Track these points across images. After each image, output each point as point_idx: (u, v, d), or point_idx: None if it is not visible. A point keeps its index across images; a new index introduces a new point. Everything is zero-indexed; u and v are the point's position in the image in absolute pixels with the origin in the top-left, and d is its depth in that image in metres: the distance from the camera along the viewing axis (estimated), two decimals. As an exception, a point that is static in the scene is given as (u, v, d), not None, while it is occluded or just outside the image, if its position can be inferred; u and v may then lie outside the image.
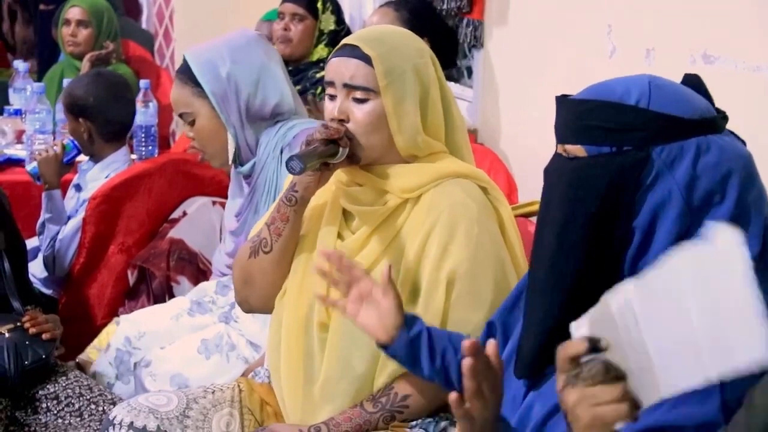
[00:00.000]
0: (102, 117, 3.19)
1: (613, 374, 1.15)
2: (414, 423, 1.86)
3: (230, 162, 2.49)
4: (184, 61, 2.49)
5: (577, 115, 1.39)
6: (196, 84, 2.44)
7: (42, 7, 5.13)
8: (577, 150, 1.39)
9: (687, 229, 1.35)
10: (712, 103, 1.45)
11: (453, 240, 1.81)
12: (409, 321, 1.69)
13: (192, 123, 2.47)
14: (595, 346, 1.16)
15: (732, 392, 1.26)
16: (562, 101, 1.42)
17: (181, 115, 2.51)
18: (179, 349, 2.57)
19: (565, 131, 1.41)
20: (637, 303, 1.13)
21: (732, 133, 1.44)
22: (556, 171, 1.43)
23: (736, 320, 1.06)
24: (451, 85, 3.58)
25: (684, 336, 1.09)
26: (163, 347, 2.59)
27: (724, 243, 1.07)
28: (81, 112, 3.16)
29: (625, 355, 1.15)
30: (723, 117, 1.43)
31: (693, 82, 1.45)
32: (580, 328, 1.18)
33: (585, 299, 1.24)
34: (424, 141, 1.88)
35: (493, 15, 3.35)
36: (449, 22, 3.52)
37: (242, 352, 2.50)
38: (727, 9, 2.27)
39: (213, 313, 2.70)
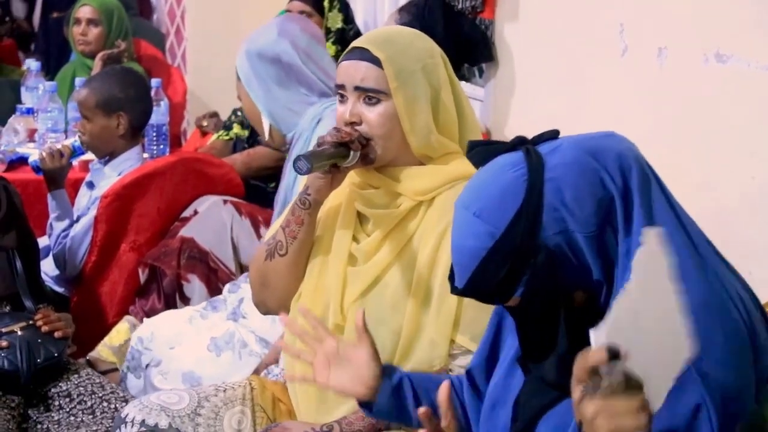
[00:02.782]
0: (140, 108, 3.21)
1: (632, 384, 1.14)
2: (425, 422, 1.86)
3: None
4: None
5: (480, 290, 1.39)
6: None
7: (55, 14, 5.15)
8: (514, 300, 1.39)
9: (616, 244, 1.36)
10: (502, 147, 1.43)
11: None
12: (387, 370, 1.65)
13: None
14: (614, 354, 1.14)
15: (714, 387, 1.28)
16: (461, 292, 1.41)
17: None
18: (189, 349, 2.57)
19: (490, 300, 1.42)
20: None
21: (535, 145, 1.42)
22: (520, 317, 1.43)
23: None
24: (462, 84, 3.58)
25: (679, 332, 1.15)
26: (172, 347, 2.60)
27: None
28: (120, 106, 3.15)
29: (641, 361, 1.15)
30: (526, 142, 1.42)
31: (478, 156, 1.43)
32: (599, 337, 1.17)
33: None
34: (437, 141, 1.87)
35: (504, 14, 3.35)
36: (461, 20, 3.51)
37: (253, 349, 2.51)
38: (739, 8, 2.26)
39: (224, 311, 2.71)
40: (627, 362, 1.14)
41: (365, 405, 1.64)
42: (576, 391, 1.18)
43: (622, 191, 1.36)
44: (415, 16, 3.31)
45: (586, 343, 1.20)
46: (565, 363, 1.31)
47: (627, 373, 1.15)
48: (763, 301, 1.49)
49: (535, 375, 1.47)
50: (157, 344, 2.68)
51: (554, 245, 1.34)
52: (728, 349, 1.31)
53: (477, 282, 1.38)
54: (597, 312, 1.33)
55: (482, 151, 1.43)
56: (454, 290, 1.43)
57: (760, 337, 1.35)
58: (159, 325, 2.72)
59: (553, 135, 1.42)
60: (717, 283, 1.36)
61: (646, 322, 1.15)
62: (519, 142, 1.42)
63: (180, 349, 2.60)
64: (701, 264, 1.36)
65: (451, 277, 1.43)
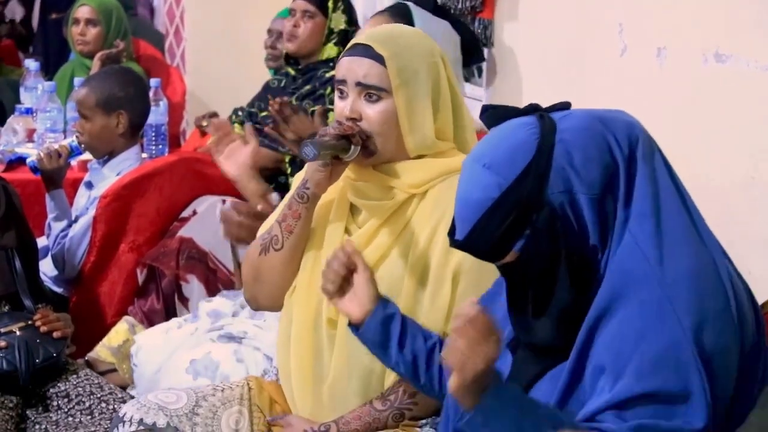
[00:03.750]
0: (139, 107, 3.22)
1: None
2: (423, 422, 1.86)
3: None
4: None
5: (480, 242, 1.43)
6: None
7: (53, 15, 5.15)
8: (512, 255, 1.43)
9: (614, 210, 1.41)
10: (516, 112, 1.47)
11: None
12: (384, 300, 1.71)
13: None
14: None
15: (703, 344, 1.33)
16: (461, 244, 1.45)
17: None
18: (172, 373, 2.55)
19: (487, 256, 1.46)
20: None
21: (550, 112, 1.46)
22: (514, 276, 1.47)
23: None
24: (462, 84, 3.58)
25: None
26: (157, 372, 2.61)
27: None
28: (119, 105, 3.15)
29: None
30: (539, 108, 1.47)
31: (491, 117, 1.48)
32: None
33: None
34: (433, 142, 1.88)
35: (503, 14, 3.35)
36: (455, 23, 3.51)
37: (260, 366, 2.49)
38: (739, 8, 2.26)
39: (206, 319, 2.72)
40: None
41: (354, 327, 1.71)
42: None
43: (627, 160, 1.41)
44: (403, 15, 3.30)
45: (584, 299, 1.31)
46: (563, 318, 1.39)
47: None
48: (762, 300, 1.50)
49: (524, 352, 1.50)
50: (142, 358, 2.72)
51: (558, 203, 1.39)
52: (717, 310, 1.36)
53: (478, 233, 1.42)
54: (590, 276, 1.39)
55: (496, 113, 1.48)
56: (454, 243, 1.47)
57: (743, 307, 1.41)
58: (148, 350, 2.75)
59: (564, 106, 1.48)
60: (708, 255, 1.41)
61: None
62: (532, 109, 1.47)
63: (163, 375, 2.60)
64: (698, 240, 1.42)
65: (452, 232, 1.47)
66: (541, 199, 1.39)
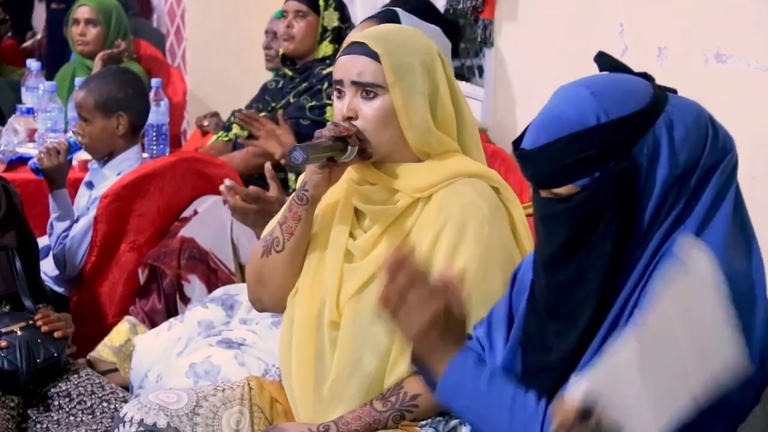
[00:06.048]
0: (139, 108, 3.22)
1: None
2: (423, 422, 1.86)
3: None
4: None
5: (551, 159, 1.39)
6: None
7: (53, 6, 5.14)
8: (569, 189, 1.40)
9: (677, 196, 1.39)
10: (632, 72, 1.47)
11: (463, 240, 1.81)
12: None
13: None
14: (586, 415, 1.18)
15: None
16: (527, 153, 1.42)
17: None
18: (172, 378, 2.56)
19: (547, 177, 1.41)
20: (640, 354, 1.17)
21: (662, 88, 1.46)
22: (556, 215, 1.42)
23: (713, 334, 1.15)
24: (462, 84, 3.58)
25: (676, 364, 1.16)
26: (158, 380, 2.61)
27: (698, 271, 1.18)
28: (119, 106, 3.15)
29: (625, 407, 1.18)
30: (652, 80, 1.46)
31: (607, 62, 1.48)
32: (578, 388, 1.21)
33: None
34: (436, 137, 1.88)
35: (503, 14, 3.35)
36: (461, 21, 3.52)
37: (262, 368, 2.49)
38: (739, 8, 2.26)
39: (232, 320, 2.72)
40: (600, 420, 1.18)
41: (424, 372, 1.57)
42: (553, 424, 1.22)
43: (708, 168, 1.40)
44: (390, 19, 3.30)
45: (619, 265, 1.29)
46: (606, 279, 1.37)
47: (600, 428, 1.18)
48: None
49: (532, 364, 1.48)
50: (137, 361, 2.74)
51: (639, 163, 1.37)
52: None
53: (553, 150, 1.38)
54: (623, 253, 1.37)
55: (610, 60, 1.47)
56: (518, 151, 1.43)
57: None
58: (140, 352, 2.75)
59: (673, 90, 1.47)
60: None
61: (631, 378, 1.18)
62: (644, 75, 1.46)
63: (163, 379, 2.60)
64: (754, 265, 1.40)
65: (517, 141, 1.44)
66: (628, 150, 1.37)
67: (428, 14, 3.30)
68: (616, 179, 1.37)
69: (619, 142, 1.37)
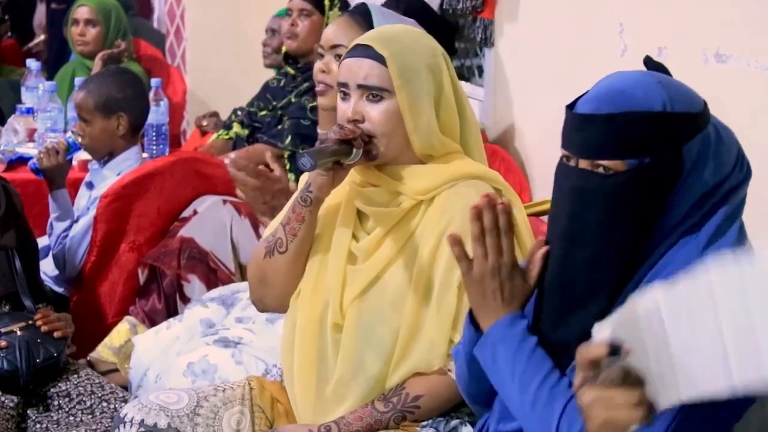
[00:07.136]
0: (138, 108, 3.22)
1: (632, 379, 1.16)
2: (425, 423, 1.86)
3: None
4: None
5: (611, 130, 1.39)
6: None
7: (53, 5, 5.14)
8: (616, 165, 1.39)
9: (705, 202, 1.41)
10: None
11: (465, 242, 1.81)
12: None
13: None
14: (615, 351, 1.16)
15: None
16: (588, 116, 1.40)
17: None
18: (171, 379, 2.56)
19: (600, 146, 1.40)
20: (666, 307, 1.13)
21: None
22: (593, 189, 1.41)
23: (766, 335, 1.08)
24: (462, 84, 3.58)
25: (712, 341, 1.10)
26: (157, 379, 2.61)
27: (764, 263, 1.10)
28: (119, 106, 3.15)
29: (647, 358, 1.15)
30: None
31: (653, 66, 1.49)
32: (602, 331, 1.18)
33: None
34: (440, 140, 1.88)
35: (503, 14, 3.35)
36: (460, 20, 3.52)
37: (261, 368, 2.49)
38: (739, 8, 2.26)
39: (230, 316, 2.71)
40: (627, 359, 1.15)
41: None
42: (577, 377, 1.20)
43: (729, 190, 1.42)
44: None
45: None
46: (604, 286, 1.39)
47: (626, 369, 1.15)
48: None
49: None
50: (137, 359, 2.75)
51: (684, 159, 1.39)
52: None
53: (612, 122, 1.38)
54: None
55: (658, 65, 1.49)
56: (572, 114, 1.42)
57: None
58: (139, 352, 2.75)
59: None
60: None
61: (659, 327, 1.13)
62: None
63: (161, 379, 2.60)
64: None
65: (572, 105, 1.43)
66: (680, 144, 1.38)
67: (423, 13, 3.31)
68: (662, 170, 1.38)
69: (678, 135, 1.39)
